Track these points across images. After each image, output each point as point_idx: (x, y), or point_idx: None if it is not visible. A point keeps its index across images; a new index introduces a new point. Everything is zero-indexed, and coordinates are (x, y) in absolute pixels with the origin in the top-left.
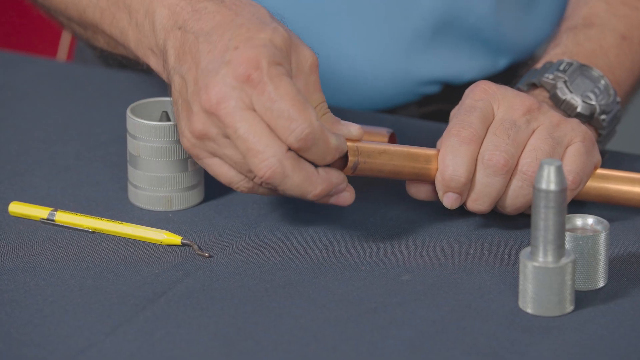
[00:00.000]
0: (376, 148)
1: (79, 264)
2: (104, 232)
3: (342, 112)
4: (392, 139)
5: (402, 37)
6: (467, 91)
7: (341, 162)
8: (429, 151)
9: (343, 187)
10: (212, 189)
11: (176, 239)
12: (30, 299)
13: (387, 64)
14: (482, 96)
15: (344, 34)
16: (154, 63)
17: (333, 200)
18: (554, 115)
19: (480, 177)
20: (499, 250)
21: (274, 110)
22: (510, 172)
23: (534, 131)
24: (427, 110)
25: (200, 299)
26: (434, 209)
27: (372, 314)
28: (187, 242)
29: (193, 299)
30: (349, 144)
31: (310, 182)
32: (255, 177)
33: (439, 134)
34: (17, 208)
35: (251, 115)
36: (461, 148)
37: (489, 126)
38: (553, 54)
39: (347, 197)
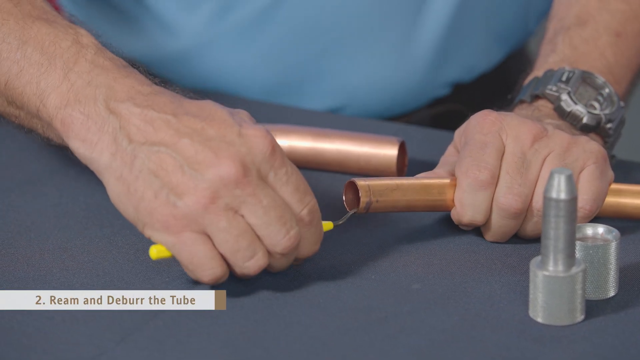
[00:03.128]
0: (388, 185)
1: (89, 272)
2: None
3: (354, 120)
4: (402, 148)
5: (417, 46)
6: (474, 121)
7: (354, 203)
8: (442, 181)
9: None
10: None
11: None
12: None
13: (405, 75)
14: (490, 129)
15: (360, 51)
16: (81, 128)
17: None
18: (563, 138)
19: (495, 219)
20: (509, 259)
21: (291, 183)
22: (525, 212)
23: (545, 159)
24: (438, 111)
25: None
26: (444, 218)
27: (382, 323)
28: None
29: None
30: (360, 183)
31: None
32: (273, 247)
33: (449, 141)
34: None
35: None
36: (479, 194)
37: (501, 159)
38: (552, 62)
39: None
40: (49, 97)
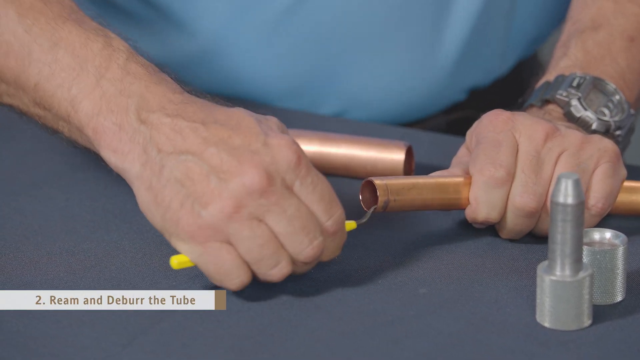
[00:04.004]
0: (405, 183)
1: (96, 275)
2: None
3: (360, 124)
4: (409, 153)
5: (433, 51)
6: (485, 120)
7: (371, 202)
8: (457, 179)
9: None
10: None
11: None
12: (48, 310)
13: (422, 81)
14: (503, 128)
15: (375, 56)
16: (114, 139)
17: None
18: (576, 136)
19: (511, 218)
20: (516, 264)
21: (317, 192)
22: (540, 211)
23: (558, 157)
24: (454, 117)
25: (217, 311)
26: (451, 222)
27: (388, 327)
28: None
29: (209, 312)
30: (377, 182)
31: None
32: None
33: (456, 145)
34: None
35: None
36: (495, 192)
37: (516, 158)
38: (564, 66)
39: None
40: (81, 103)
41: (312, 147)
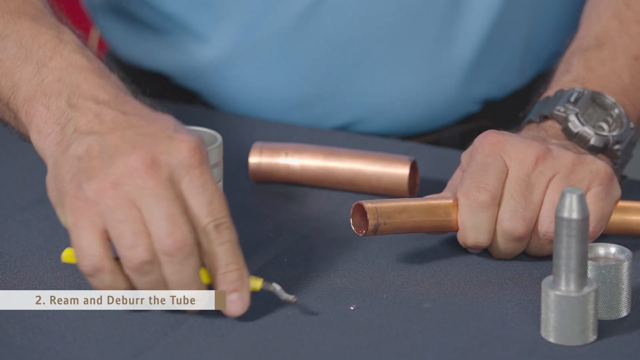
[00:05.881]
0: (395, 206)
1: (100, 290)
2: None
3: (365, 138)
4: (414, 167)
5: (448, 62)
6: (476, 142)
7: (362, 225)
8: (447, 202)
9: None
10: (233, 216)
11: (256, 282)
12: (53, 326)
13: (436, 91)
14: (492, 150)
15: (389, 65)
16: (40, 120)
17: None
18: (568, 158)
19: (500, 242)
20: (520, 279)
21: (206, 195)
22: (529, 235)
23: (550, 181)
24: (468, 127)
25: (222, 325)
26: (454, 237)
27: (393, 341)
28: (269, 286)
29: (214, 326)
30: (367, 205)
31: (194, 281)
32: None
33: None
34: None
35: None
36: (480, 215)
37: (504, 181)
38: (565, 81)
39: (238, 305)
40: (20, 89)
41: (316, 161)
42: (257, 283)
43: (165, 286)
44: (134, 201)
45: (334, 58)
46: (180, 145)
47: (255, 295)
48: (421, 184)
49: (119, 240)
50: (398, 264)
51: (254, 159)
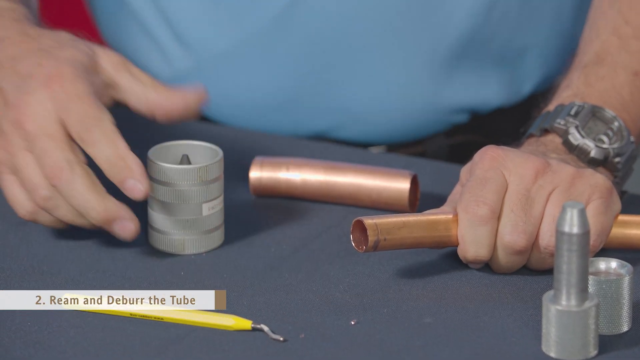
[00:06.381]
0: (395, 222)
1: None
2: (167, 320)
3: (366, 153)
4: (414, 182)
5: (427, 65)
6: (476, 157)
7: (362, 241)
8: (447, 217)
9: (126, 215)
10: (234, 231)
11: (246, 324)
12: (53, 341)
13: (414, 95)
14: (491, 165)
15: (369, 67)
16: None
17: (117, 228)
18: (567, 172)
19: (501, 255)
20: (521, 293)
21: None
22: (530, 249)
23: (549, 195)
24: (456, 141)
25: (222, 340)
26: (455, 251)
27: (394, 356)
28: (258, 326)
29: (215, 341)
30: (367, 222)
31: (96, 196)
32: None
33: None
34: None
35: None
36: (479, 229)
37: (504, 196)
38: (565, 97)
39: (131, 227)
40: None
41: (317, 176)
42: (247, 324)
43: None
44: (23, 147)
45: (311, 62)
46: (39, 82)
47: (255, 310)
48: (422, 198)
49: (25, 187)
50: (399, 278)
51: (254, 174)
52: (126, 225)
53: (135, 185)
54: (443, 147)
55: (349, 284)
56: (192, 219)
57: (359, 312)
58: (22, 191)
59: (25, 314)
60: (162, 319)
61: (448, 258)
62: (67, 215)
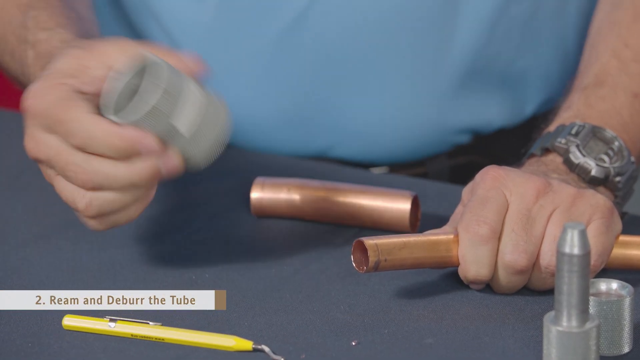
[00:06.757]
0: (396, 243)
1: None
2: (167, 341)
3: (366, 174)
4: (415, 202)
5: (431, 87)
6: (478, 178)
7: (362, 261)
8: (448, 237)
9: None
10: (235, 251)
11: (247, 345)
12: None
13: (417, 115)
14: (493, 185)
15: (372, 87)
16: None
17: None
18: (568, 192)
19: (502, 276)
20: (522, 314)
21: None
22: (531, 268)
23: (550, 215)
24: (458, 162)
25: None
26: (455, 272)
27: None
28: (259, 347)
29: None
30: (368, 242)
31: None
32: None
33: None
34: (71, 321)
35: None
36: (480, 249)
37: (504, 216)
38: (566, 117)
39: (174, 160)
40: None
41: (318, 197)
42: (248, 345)
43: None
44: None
45: (314, 80)
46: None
47: (257, 331)
48: (423, 219)
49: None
50: (400, 299)
51: (255, 195)
52: (171, 160)
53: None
54: (445, 168)
55: (350, 304)
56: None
57: (360, 332)
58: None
59: (25, 329)
60: (163, 339)
61: (448, 278)
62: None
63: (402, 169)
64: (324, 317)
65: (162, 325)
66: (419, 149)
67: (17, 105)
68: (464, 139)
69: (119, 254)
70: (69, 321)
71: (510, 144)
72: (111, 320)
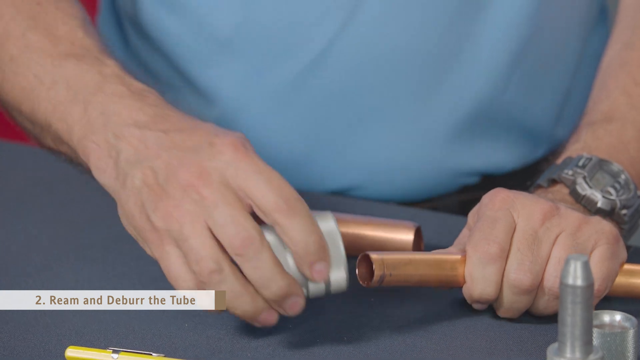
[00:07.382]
0: (401, 259)
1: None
2: None
3: (368, 204)
4: (418, 233)
5: (442, 129)
6: (486, 200)
7: (367, 276)
8: (454, 256)
9: (299, 291)
10: None
11: None
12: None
13: (425, 158)
14: (501, 206)
15: (384, 129)
16: (95, 157)
17: (289, 304)
18: (575, 217)
19: (507, 295)
20: (525, 346)
21: (261, 178)
22: (536, 289)
23: (556, 238)
24: (467, 198)
25: None
26: (460, 302)
27: None
28: None
29: None
30: (374, 256)
31: (280, 270)
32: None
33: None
34: (74, 353)
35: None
36: (488, 268)
37: (512, 237)
38: (573, 150)
39: (301, 304)
40: (73, 130)
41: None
42: None
43: (250, 290)
44: (196, 215)
45: (327, 121)
46: (222, 148)
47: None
48: (427, 249)
49: (188, 258)
50: (400, 329)
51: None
52: (297, 302)
53: (324, 269)
54: (454, 203)
55: (347, 333)
56: None
57: None
58: (184, 263)
59: None
60: None
61: (450, 308)
62: (229, 292)
63: (412, 205)
64: (326, 347)
65: (164, 356)
66: (428, 189)
67: (16, 135)
68: (473, 180)
69: (120, 284)
70: (71, 352)
71: (517, 183)
72: (114, 351)
